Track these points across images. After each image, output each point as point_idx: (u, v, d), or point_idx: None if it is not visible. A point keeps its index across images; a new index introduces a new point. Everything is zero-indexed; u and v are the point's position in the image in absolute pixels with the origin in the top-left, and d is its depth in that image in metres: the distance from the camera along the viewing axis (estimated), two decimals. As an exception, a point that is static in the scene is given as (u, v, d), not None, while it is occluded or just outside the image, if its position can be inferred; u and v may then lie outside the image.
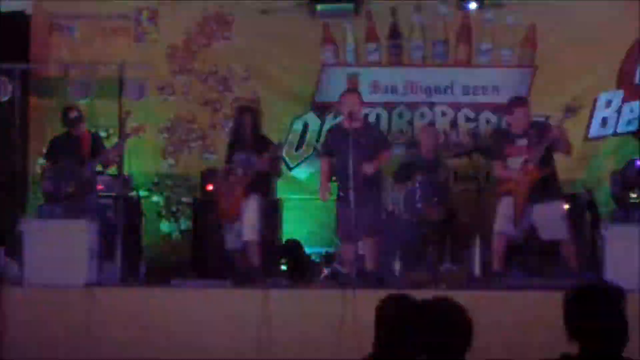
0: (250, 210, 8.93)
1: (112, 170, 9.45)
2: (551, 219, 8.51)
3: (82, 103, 10.11)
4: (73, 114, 9.22)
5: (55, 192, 8.82)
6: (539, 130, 8.53)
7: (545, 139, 8.38)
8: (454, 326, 3.52)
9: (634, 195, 9.06)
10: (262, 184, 9.13)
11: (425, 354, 3.48)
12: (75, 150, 9.07)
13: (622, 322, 3.34)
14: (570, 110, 8.50)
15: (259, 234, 8.94)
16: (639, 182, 9.17)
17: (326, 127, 10.48)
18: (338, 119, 9.54)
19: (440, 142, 10.23)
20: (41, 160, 10.47)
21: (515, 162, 8.55)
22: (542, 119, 9.57)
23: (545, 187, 8.50)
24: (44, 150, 9.64)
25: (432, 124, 10.38)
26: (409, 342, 3.64)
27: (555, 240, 8.59)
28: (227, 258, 9.12)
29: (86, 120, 9.41)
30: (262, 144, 9.06)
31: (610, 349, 3.31)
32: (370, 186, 8.70)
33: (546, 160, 8.50)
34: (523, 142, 8.52)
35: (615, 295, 3.39)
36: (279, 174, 9.68)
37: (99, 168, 9.32)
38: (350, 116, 8.68)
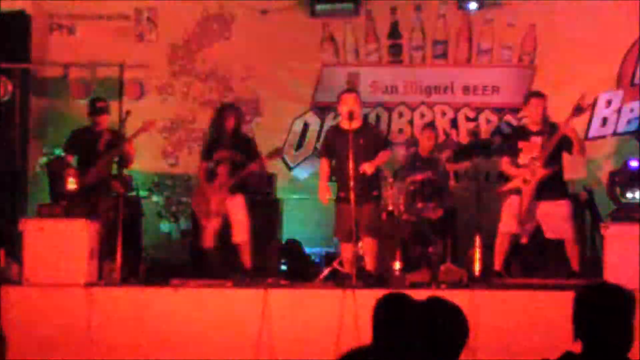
0: (238, 211, 8.93)
1: (112, 170, 9.43)
2: (556, 217, 8.52)
3: (82, 103, 10.09)
4: (101, 104, 9.26)
5: (76, 189, 8.83)
6: (552, 129, 8.56)
7: (555, 138, 8.43)
8: (448, 326, 3.52)
9: (630, 196, 9.05)
10: (248, 183, 9.13)
11: (420, 354, 3.47)
12: (96, 145, 9.09)
13: (629, 326, 3.34)
14: (580, 109, 8.52)
15: (250, 234, 8.93)
16: (634, 182, 9.17)
17: (326, 127, 10.48)
18: (337, 119, 9.53)
19: (440, 142, 10.24)
20: (43, 160, 10.47)
21: (525, 158, 8.60)
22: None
23: (553, 186, 8.53)
24: (64, 142, 9.61)
25: (430, 124, 10.36)
26: (405, 342, 3.63)
27: (559, 239, 8.60)
28: (226, 258, 9.12)
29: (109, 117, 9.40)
30: (245, 143, 9.08)
31: (614, 350, 3.31)
32: (369, 186, 8.70)
33: (554, 160, 8.52)
34: (537, 139, 8.57)
35: (627, 299, 3.39)
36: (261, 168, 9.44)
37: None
38: (349, 116, 8.67)
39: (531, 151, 8.59)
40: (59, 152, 9.86)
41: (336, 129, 9.07)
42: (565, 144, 8.57)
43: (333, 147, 8.94)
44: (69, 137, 9.41)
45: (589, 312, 3.36)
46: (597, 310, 3.35)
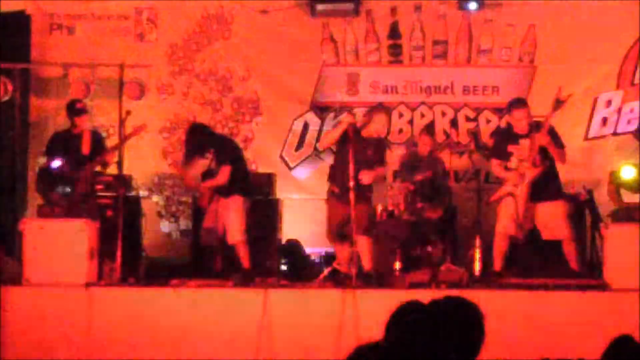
0: (231, 212, 8.90)
1: (112, 170, 9.42)
2: (553, 218, 8.52)
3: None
4: (80, 105, 9.23)
5: (53, 194, 8.80)
6: (538, 129, 8.53)
7: (535, 141, 8.41)
8: (474, 326, 3.50)
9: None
10: (243, 184, 9.10)
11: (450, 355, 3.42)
12: (76, 148, 9.06)
13: None
14: (559, 102, 8.47)
15: (245, 235, 8.91)
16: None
17: (326, 127, 10.52)
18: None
19: (440, 143, 10.23)
20: (41, 160, 10.47)
21: (515, 162, 8.58)
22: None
23: (546, 186, 8.52)
24: (45, 146, 9.62)
25: (427, 129, 10.30)
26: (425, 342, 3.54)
27: (556, 240, 8.59)
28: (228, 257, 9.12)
29: (89, 118, 9.37)
30: (223, 147, 9.06)
31: None
32: (363, 187, 8.66)
33: (545, 159, 8.50)
34: (526, 142, 8.54)
35: None
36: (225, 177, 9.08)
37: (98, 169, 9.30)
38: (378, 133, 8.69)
39: (521, 154, 8.55)
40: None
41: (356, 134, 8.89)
42: (548, 149, 8.53)
43: (343, 146, 8.75)
44: (49, 142, 9.36)
45: None
46: None
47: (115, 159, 9.07)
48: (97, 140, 9.26)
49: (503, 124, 10.44)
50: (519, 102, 8.87)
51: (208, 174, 8.96)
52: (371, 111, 9.02)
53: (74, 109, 9.16)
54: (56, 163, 8.81)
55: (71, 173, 8.91)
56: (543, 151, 8.49)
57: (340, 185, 8.53)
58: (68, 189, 8.85)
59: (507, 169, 8.67)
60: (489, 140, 10.44)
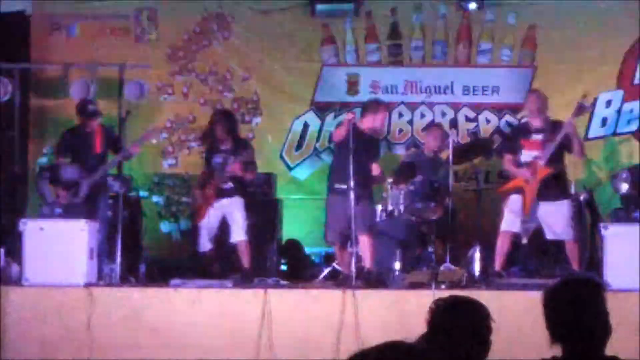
0: (235, 211, 8.92)
1: (112, 170, 9.41)
2: (557, 218, 8.51)
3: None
4: (92, 107, 9.13)
5: (70, 198, 8.78)
6: (554, 128, 8.54)
7: (559, 136, 8.41)
8: (481, 325, 3.52)
9: None
10: (244, 184, 9.12)
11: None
12: (89, 145, 8.99)
13: (603, 317, 3.28)
14: (582, 108, 8.51)
15: (247, 235, 8.92)
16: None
17: (326, 127, 10.52)
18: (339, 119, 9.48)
19: (445, 143, 10.22)
20: (42, 160, 10.47)
21: (527, 157, 8.57)
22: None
23: (554, 186, 8.52)
24: (55, 144, 9.57)
25: (438, 124, 10.31)
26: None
27: (559, 240, 8.59)
28: (227, 258, 9.12)
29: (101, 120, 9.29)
30: (240, 146, 9.09)
31: (592, 347, 3.26)
32: (365, 185, 8.67)
33: (557, 159, 8.52)
34: (539, 137, 8.55)
35: (592, 289, 3.33)
36: (253, 176, 9.30)
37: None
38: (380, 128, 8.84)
39: (532, 149, 8.57)
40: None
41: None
42: (567, 143, 8.56)
43: (344, 142, 8.74)
44: (60, 139, 9.29)
45: (557, 312, 3.30)
46: (565, 308, 3.28)
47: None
48: (110, 135, 9.19)
49: (502, 124, 10.47)
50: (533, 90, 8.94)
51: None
52: (372, 107, 8.95)
53: (87, 111, 9.05)
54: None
55: (83, 174, 8.87)
56: (559, 152, 8.51)
57: (346, 182, 8.48)
58: (80, 189, 8.81)
59: (519, 164, 8.66)
60: (492, 139, 10.44)
